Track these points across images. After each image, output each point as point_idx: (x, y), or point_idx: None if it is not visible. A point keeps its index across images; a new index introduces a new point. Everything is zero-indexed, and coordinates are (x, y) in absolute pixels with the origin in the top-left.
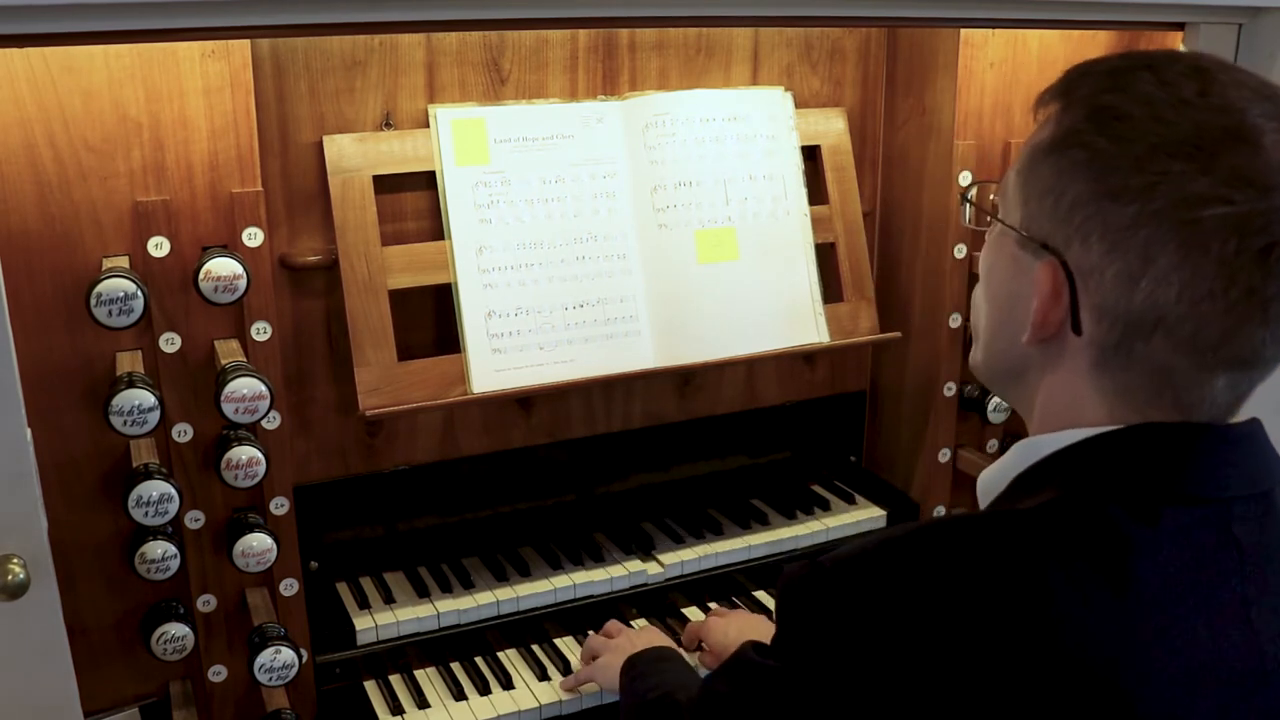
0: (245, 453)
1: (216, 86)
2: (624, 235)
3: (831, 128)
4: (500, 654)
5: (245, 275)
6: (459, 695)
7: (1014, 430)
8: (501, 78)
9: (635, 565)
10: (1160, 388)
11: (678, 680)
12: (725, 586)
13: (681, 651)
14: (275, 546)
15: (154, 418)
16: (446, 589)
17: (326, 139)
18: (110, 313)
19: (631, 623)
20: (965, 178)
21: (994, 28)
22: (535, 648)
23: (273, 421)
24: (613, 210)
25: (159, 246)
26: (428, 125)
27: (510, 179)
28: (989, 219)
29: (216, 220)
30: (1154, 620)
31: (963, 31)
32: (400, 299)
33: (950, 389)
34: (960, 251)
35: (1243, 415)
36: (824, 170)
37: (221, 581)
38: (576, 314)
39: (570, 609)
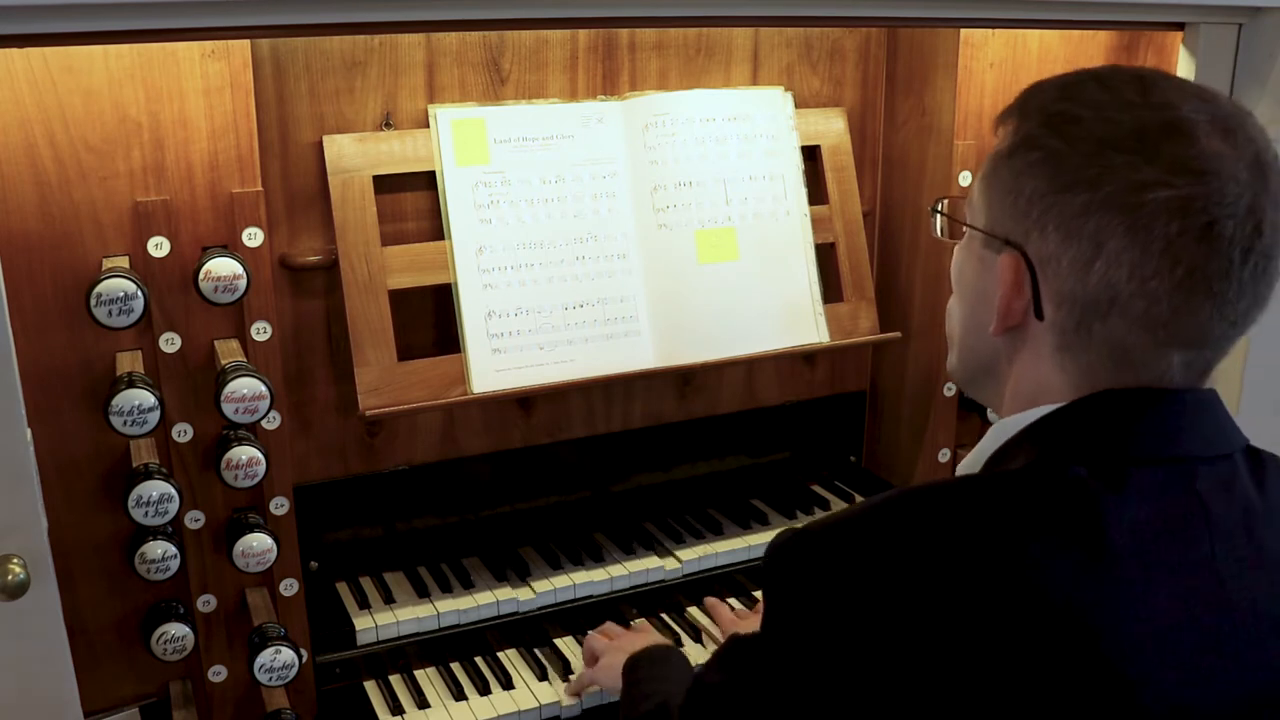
0: (245, 453)
1: (216, 86)
2: (624, 235)
3: (831, 128)
4: (500, 654)
5: (245, 275)
6: (459, 695)
7: None
8: (501, 78)
9: (635, 565)
10: (1120, 365)
11: (676, 685)
12: (725, 586)
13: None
14: (275, 546)
15: (154, 418)
16: (446, 589)
17: (326, 139)
18: (110, 313)
19: (631, 623)
20: (965, 178)
21: (994, 28)
22: (535, 648)
23: (273, 421)
24: (613, 210)
25: (159, 246)
26: (428, 125)
27: (510, 179)
28: (960, 229)
29: (216, 220)
30: (1127, 575)
31: (963, 31)
32: (400, 299)
33: (950, 389)
34: None
35: (1243, 422)
36: (824, 170)
37: (221, 581)
38: (576, 314)
39: (570, 609)
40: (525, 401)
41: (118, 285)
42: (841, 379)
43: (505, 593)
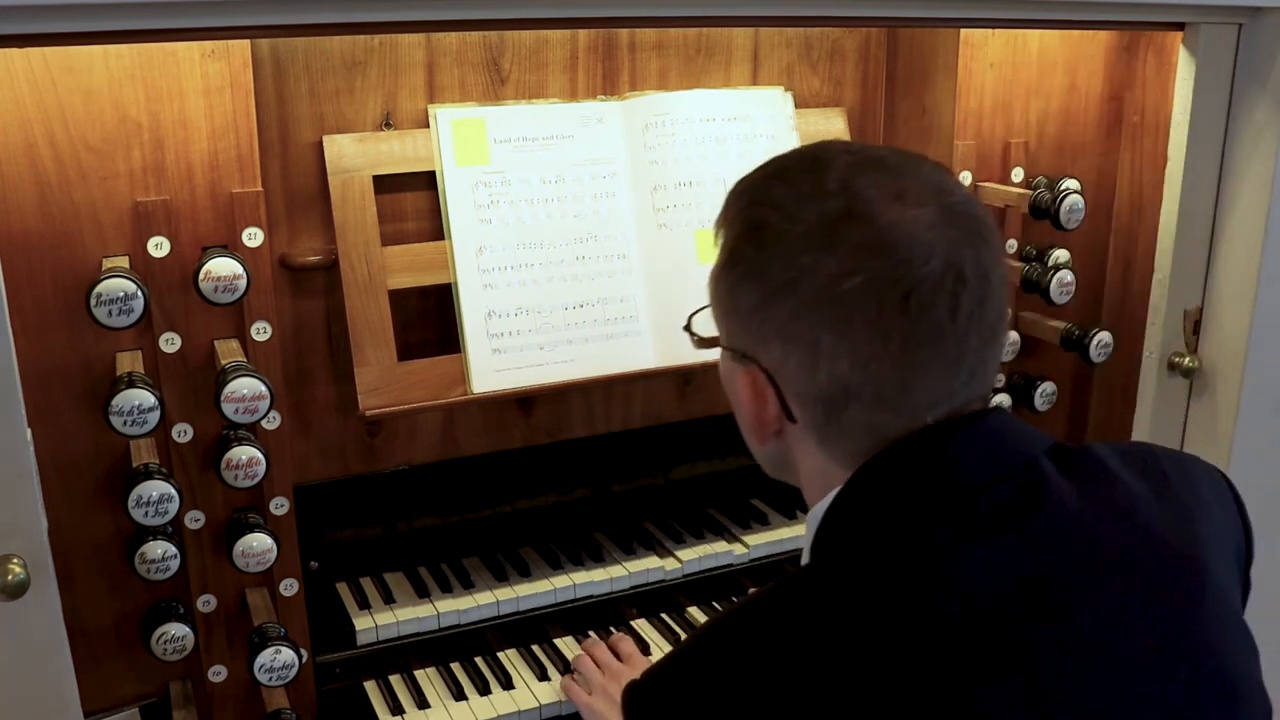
0: (245, 453)
1: (216, 87)
2: (624, 235)
3: (831, 128)
4: (500, 654)
5: (245, 275)
6: (459, 695)
7: None
8: (501, 78)
9: (635, 565)
10: (879, 441)
11: None
12: (726, 586)
13: None
14: (275, 546)
15: (154, 418)
16: (446, 589)
17: (326, 139)
18: (110, 313)
19: (631, 623)
20: (965, 178)
21: (994, 28)
22: (535, 648)
23: (273, 421)
24: (613, 210)
25: (159, 246)
26: (428, 125)
27: (510, 179)
28: (711, 343)
29: (216, 220)
30: (977, 645)
31: (963, 31)
32: (400, 299)
33: None
34: None
35: (1243, 422)
36: None
37: (221, 581)
38: (577, 314)
39: (570, 609)
40: (525, 401)
41: (118, 285)
42: None
43: (505, 593)
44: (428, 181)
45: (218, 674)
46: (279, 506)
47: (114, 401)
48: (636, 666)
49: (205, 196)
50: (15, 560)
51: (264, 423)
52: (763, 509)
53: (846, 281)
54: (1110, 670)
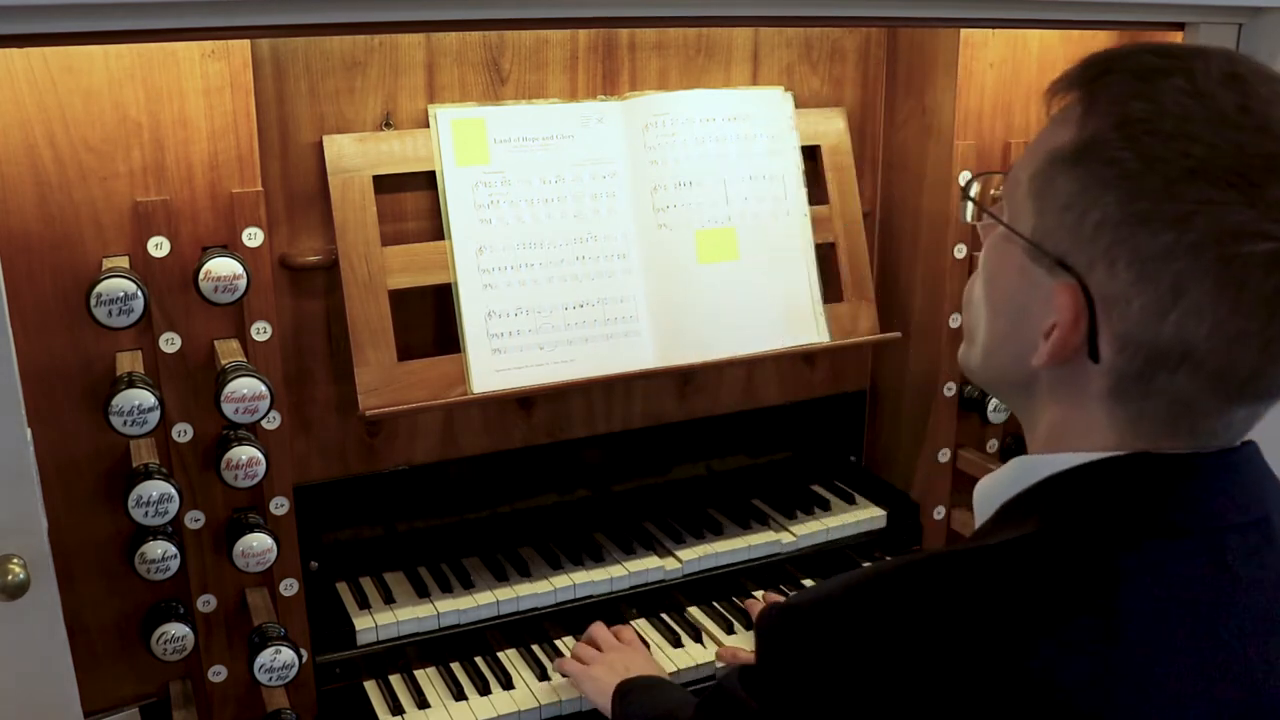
0: (245, 453)
1: (216, 87)
2: (624, 235)
3: (831, 128)
4: (500, 654)
5: (245, 275)
6: (459, 695)
7: (1014, 430)
8: (501, 78)
9: (635, 565)
10: (1177, 418)
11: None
12: (726, 587)
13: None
14: (275, 546)
15: (154, 418)
16: (446, 589)
17: (326, 139)
18: (110, 313)
19: (631, 623)
20: (965, 178)
21: (994, 28)
22: (535, 648)
23: (273, 421)
24: (613, 210)
25: (159, 246)
26: (428, 125)
27: (510, 179)
28: (992, 218)
29: (216, 220)
30: (1144, 661)
31: (963, 31)
32: (400, 299)
33: (950, 389)
34: (960, 251)
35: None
36: (824, 170)
37: (221, 581)
38: (576, 314)
39: (570, 609)
40: (525, 401)
41: (118, 285)
42: (841, 379)
43: (505, 593)
44: (428, 181)
45: (218, 674)
46: (279, 506)
47: (114, 401)
48: (638, 649)
49: (205, 196)
50: (15, 560)
51: (264, 423)
52: (763, 509)
53: (1255, 243)
54: None
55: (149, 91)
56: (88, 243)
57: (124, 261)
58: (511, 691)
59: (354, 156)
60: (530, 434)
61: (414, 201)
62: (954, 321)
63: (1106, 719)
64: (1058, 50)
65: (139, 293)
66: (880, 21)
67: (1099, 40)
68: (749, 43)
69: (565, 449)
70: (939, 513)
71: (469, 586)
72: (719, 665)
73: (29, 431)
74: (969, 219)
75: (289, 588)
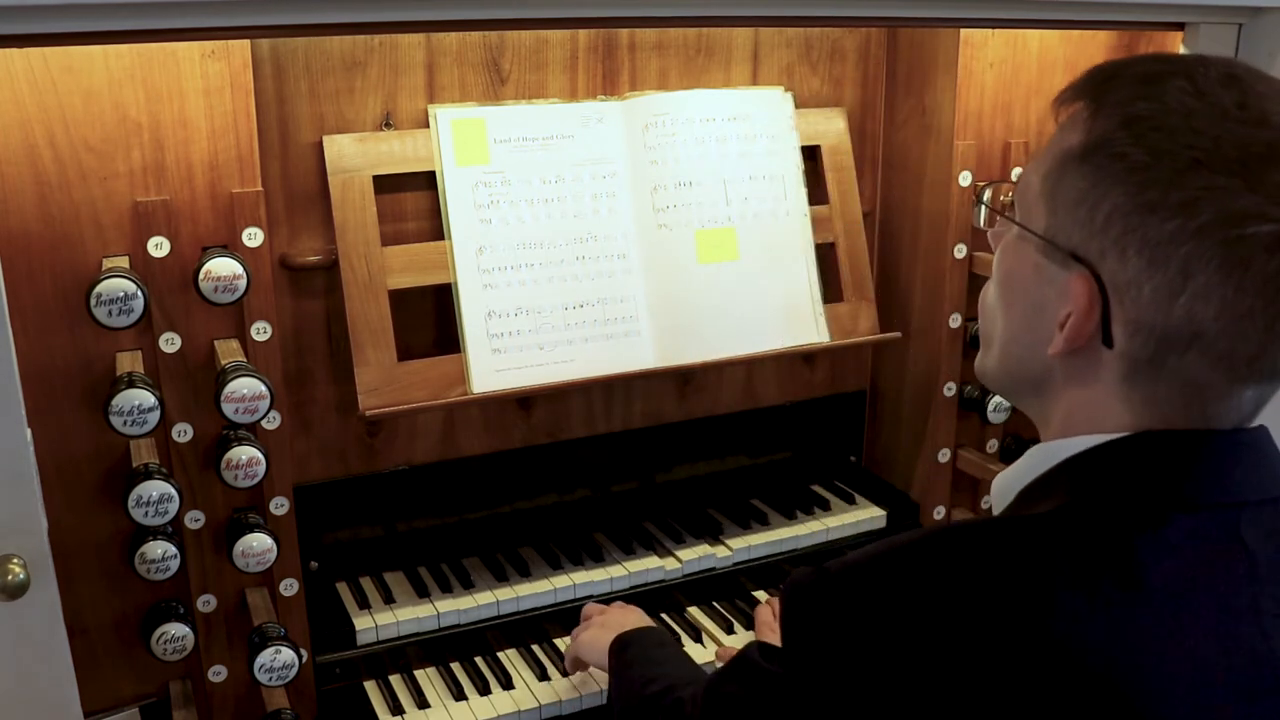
0: (245, 453)
1: (216, 87)
2: (624, 235)
3: (831, 128)
4: (500, 654)
5: (245, 275)
6: (459, 695)
7: (1014, 430)
8: (501, 78)
9: (635, 565)
10: (1189, 400)
11: (679, 673)
12: (726, 587)
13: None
14: (275, 546)
15: (154, 418)
16: (446, 589)
17: (326, 139)
18: (110, 313)
19: None
20: (965, 178)
21: (994, 28)
22: (535, 648)
23: (273, 421)
24: (613, 210)
25: (159, 246)
26: (428, 125)
27: (510, 179)
28: (1007, 221)
29: (216, 220)
30: (1163, 626)
31: (963, 31)
32: (400, 299)
33: (950, 389)
34: (960, 251)
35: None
36: (824, 170)
37: (221, 581)
38: (576, 314)
39: (570, 609)
40: (525, 401)
41: (118, 285)
42: (841, 379)
43: (505, 593)
44: (428, 181)
45: (218, 674)
46: (279, 506)
47: (114, 401)
48: (633, 609)
49: (205, 196)
50: (15, 560)
51: (264, 423)
52: (762, 509)
53: (1257, 225)
54: None
55: (149, 92)
56: (88, 243)
57: (124, 261)
58: (511, 691)
59: (354, 156)
60: (530, 434)
61: (414, 201)
62: (954, 321)
63: (1126, 679)
64: (1058, 50)
65: (139, 293)
66: (880, 21)
67: (1099, 40)
68: (749, 43)
69: (565, 449)
70: (939, 513)
71: (469, 586)
72: (719, 665)
73: (29, 431)
74: (982, 225)
75: (289, 588)
